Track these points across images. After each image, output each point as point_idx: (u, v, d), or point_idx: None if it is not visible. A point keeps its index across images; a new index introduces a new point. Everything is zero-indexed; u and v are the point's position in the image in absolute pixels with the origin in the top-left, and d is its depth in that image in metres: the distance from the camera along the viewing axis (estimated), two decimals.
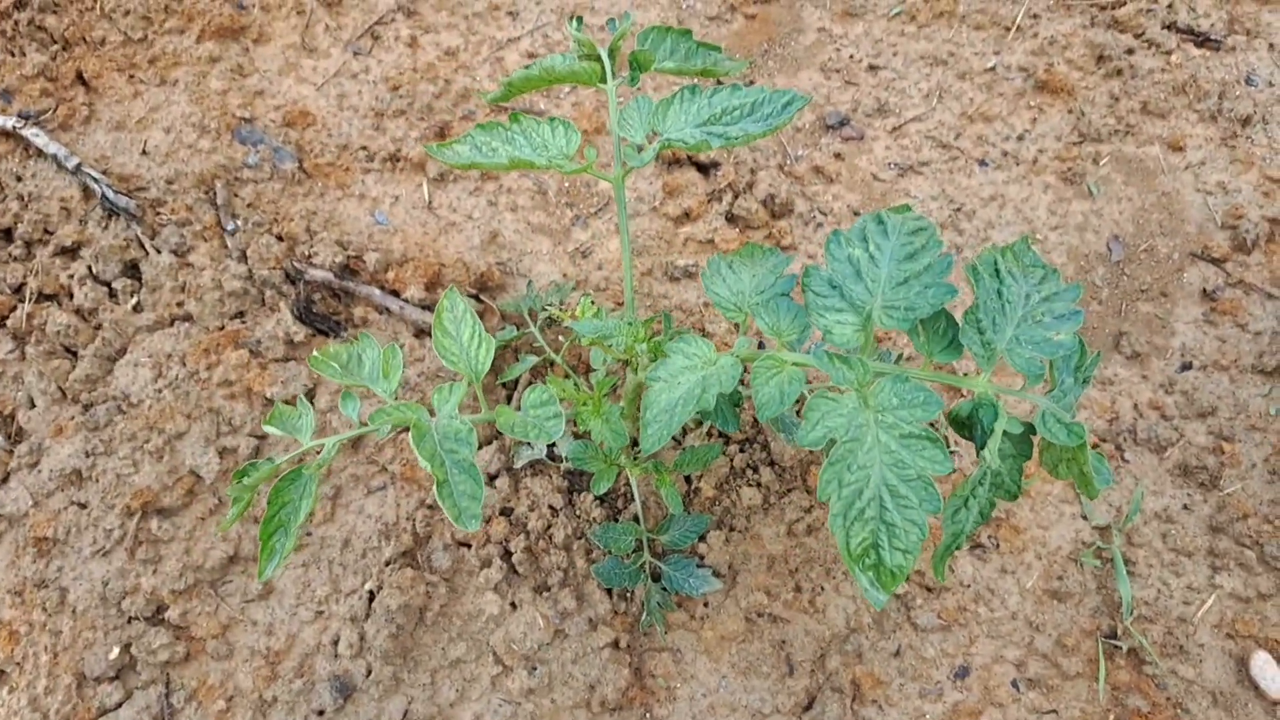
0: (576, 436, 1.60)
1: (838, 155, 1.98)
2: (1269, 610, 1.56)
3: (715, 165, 1.93)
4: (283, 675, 1.57)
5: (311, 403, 1.66)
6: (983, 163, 1.97)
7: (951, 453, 1.33)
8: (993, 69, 2.03)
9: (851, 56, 2.08)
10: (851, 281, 1.02)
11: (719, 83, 1.83)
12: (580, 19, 1.31)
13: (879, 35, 2.09)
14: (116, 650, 1.58)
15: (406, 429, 1.52)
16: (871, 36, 2.09)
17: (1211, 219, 1.92)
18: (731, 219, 1.88)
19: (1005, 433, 0.99)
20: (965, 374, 1.70)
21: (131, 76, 2.04)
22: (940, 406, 0.94)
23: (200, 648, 1.59)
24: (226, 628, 1.60)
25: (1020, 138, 1.98)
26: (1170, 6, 2.09)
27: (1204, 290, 1.86)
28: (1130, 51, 2.04)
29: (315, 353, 1.19)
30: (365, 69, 2.05)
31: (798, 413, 1.46)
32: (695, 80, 1.36)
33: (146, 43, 2.06)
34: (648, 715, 1.60)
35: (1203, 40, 2.07)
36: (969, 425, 1.00)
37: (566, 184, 1.93)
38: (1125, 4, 2.08)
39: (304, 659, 1.57)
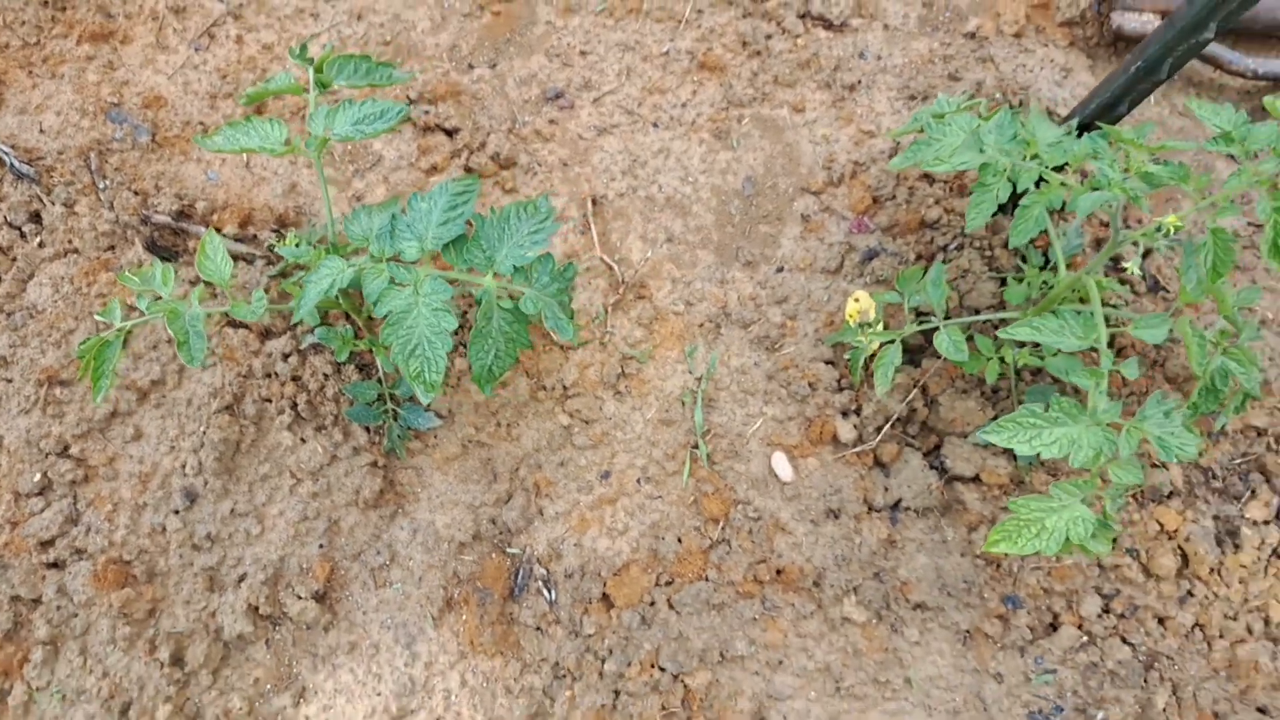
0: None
1: (553, 121, 2.64)
2: (790, 427, 2.31)
3: (458, 130, 2.59)
4: (150, 488, 2.30)
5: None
6: (656, 125, 2.63)
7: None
8: (667, 53, 2.67)
9: (569, 44, 2.71)
10: (418, 222, 1.71)
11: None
12: (305, 46, 1.96)
13: (589, 27, 2.72)
14: (39, 476, 2.31)
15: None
16: (584, 28, 2.72)
17: (817, 162, 2.60)
18: (469, 169, 2.55)
19: (502, 307, 1.70)
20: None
21: (31, 72, 2.65)
22: (450, 293, 1.65)
23: (95, 473, 2.32)
24: (112, 459, 2.33)
25: (684, 105, 2.64)
26: None
27: (803, 215, 2.56)
28: (769, 37, 2.68)
29: (125, 272, 1.88)
30: (204, 61, 2.67)
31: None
32: (370, 90, 2.01)
33: (40, 46, 2.67)
34: (400, 509, 2.35)
35: (829, 24, 2.71)
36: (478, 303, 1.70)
37: (349, 148, 2.59)
38: None
39: (164, 478, 2.31)
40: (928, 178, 2.51)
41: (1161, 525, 2.21)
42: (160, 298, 1.80)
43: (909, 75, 2.66)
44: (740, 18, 2.69)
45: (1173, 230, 1.63)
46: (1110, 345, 1.72)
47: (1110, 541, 1.67)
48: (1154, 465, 2.26)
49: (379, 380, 2.29)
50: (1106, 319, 2.05)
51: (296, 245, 1.83)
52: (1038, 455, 1.59)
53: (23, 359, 2.34)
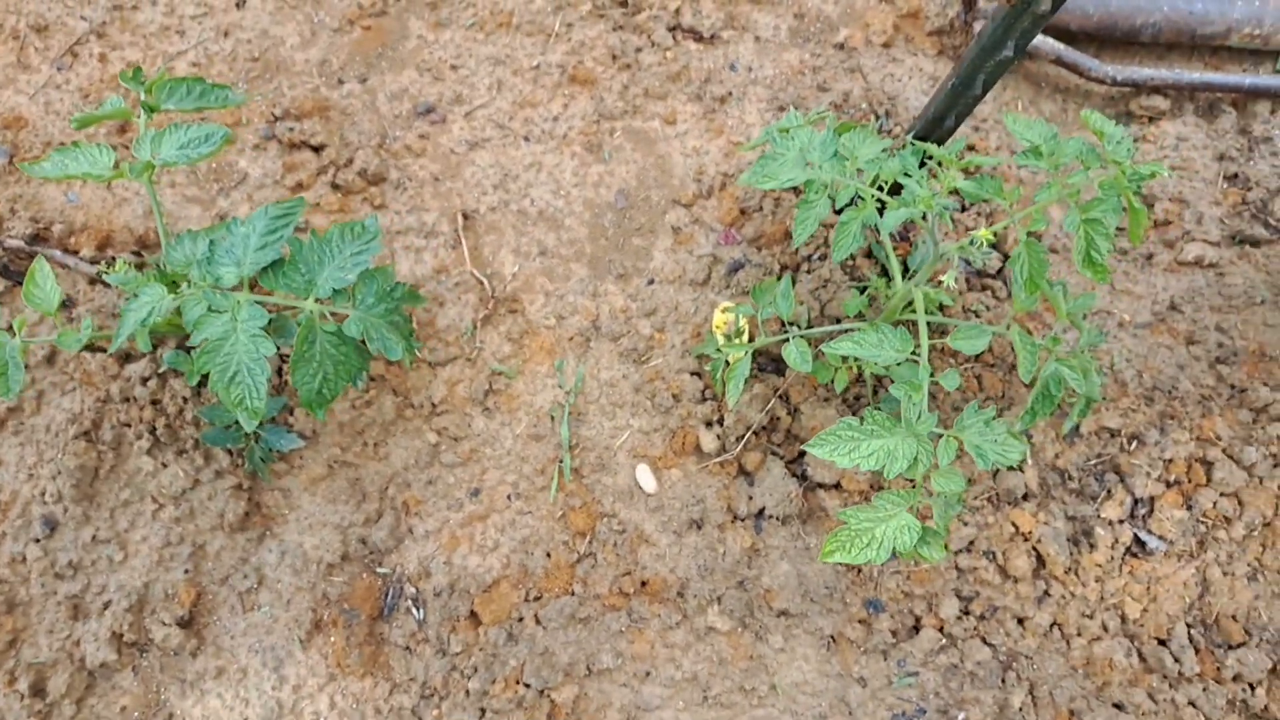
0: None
1: (424, 136, 2.61)
2: (654, 439, 2.31)
3: (325, 146, 2.56)
4: (10, 517, 2.25)
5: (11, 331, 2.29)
6: (527, 138, 2.62)
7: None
8: (537, 66, 2.66)
9: (440, 58, 2.69)
10: (236, 247, 1.68)
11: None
12: (138, 70, 1.92)
13: (460, 41, 2.70)
14: None
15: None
16: (455, 42, 2.70)
17: (689, 175, 2.61)
18: (335, 187, 2.52)
19: (325, 331, 1.68)
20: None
21: None
22: (266, 318, 1.63)
23: None
24: None
25: (555, 119, 2.63)
26: (677, 11, 2.72)
27: (674, 227, 2.56)
28: (640, 50, 2.68)
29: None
30: (66, 81, 2.61)
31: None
32: (198, 115, 1.97)
33: None
34: (268, 532, 2.32)
35: (699, 37, 2.72)
36: (282, 331, 1.68)
37: (214, 166, 2.54)
38: (641, 12, 2.70)
39: (24, 506, 2.25)
40: (796, 190, 2.53)
41: (1017, 527, 2.24)
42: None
43: (779, 87, 2.68)
44: (610, 30, 2.68)
45: (985, 243, 1.65)
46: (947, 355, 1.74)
47: (942, 548, 1.69)
48: (1010, 470, 2.29)
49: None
50: (942, 330, 2.07)
51: (125, 272, 1.79)
52: (853, 466, 1.60)
53: None
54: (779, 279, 2.27)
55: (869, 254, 2.41)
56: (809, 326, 2.28)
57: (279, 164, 2.51)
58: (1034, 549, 2.24)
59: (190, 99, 1.90)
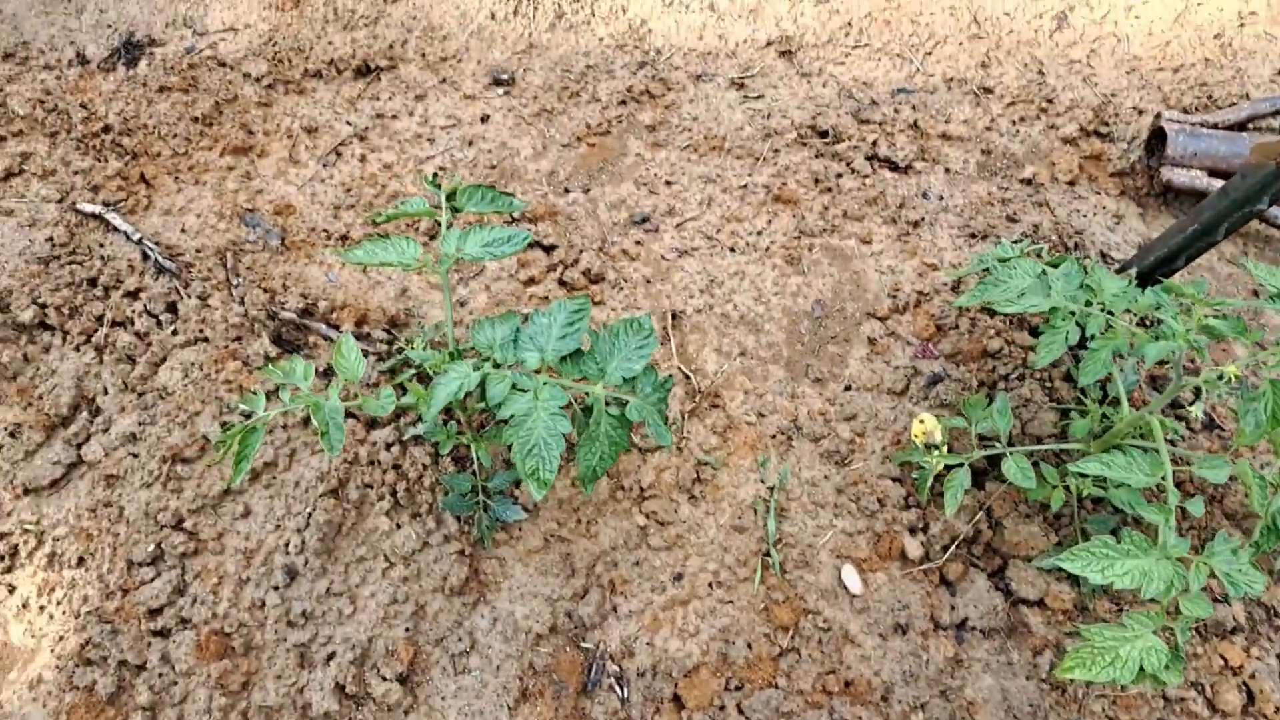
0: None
1: (639, 242, 2.85)
2: (859, 541, 2.39)
3: (555, 247, 2.80)
4: (254, 564, 2.43)
5: (278, 394, 2.53)
6: (733, 249, 2.82)
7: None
8: (745, 186, 2.89)
9: (656, 174, 2.95)
10: (539, 335, 1.88)
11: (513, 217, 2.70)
12: (436, 173, 2.19)
13: (674, 160, 2.96)
14: (152, 546, 2.45)
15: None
16: (670, 161, 2.96)
17: (883, 290, 2.77)
18: (563, 283, 2.75)
19: (609, 414, 1.84)
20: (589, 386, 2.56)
21: (177, 179, 2.94)
22: (565, 400, 1.80)
23: (205, 546, 2.45)
24: (221, 534, 2.46)
25: (760, 233, 2.84)
26: (874, 143, 2.95)
27: (870, 338, 2.70)
28: (840, 175, 2.89)
29: (269, 365, 2.06)
30: (330, 176, 2.94)
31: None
32: (495, 217, 2.22)
33: (187, 156, 2.96)
34: (482, 598, 2.44)
35: (894, 166, 2.93)
36: (588, 411, 1.85)
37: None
38: (841, 142, 2.93)
39: (267, 554, 2.43)
40: (988, 311, 2.65)
41: (1226, 660, 2.22)
42: (299, 390, 1.97)
43: (969, 215, 2.84)
44: (813, 157, 2.91)
45: (1233, 379, 1.74)
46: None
47: (1180, 673, 1.71)
48: (1216, 600, 2.28)
49: (473, 473, 2.42)
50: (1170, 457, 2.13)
51: (421, 349, 1.99)
52: (1107, 584, 1.66)
53: (150, 436, 2.51)
54: (983, 394, 2.37)
55: (1066, 377, 2.50)
56: (1010, 444, 2.36)
57: (514, 260, 2.75)
58: (1244, 684, 2.21)
59: (484, 203, 2.14)
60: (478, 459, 2.42)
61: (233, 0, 3.07)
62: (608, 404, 1.85)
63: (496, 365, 1.89)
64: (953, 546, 2.32)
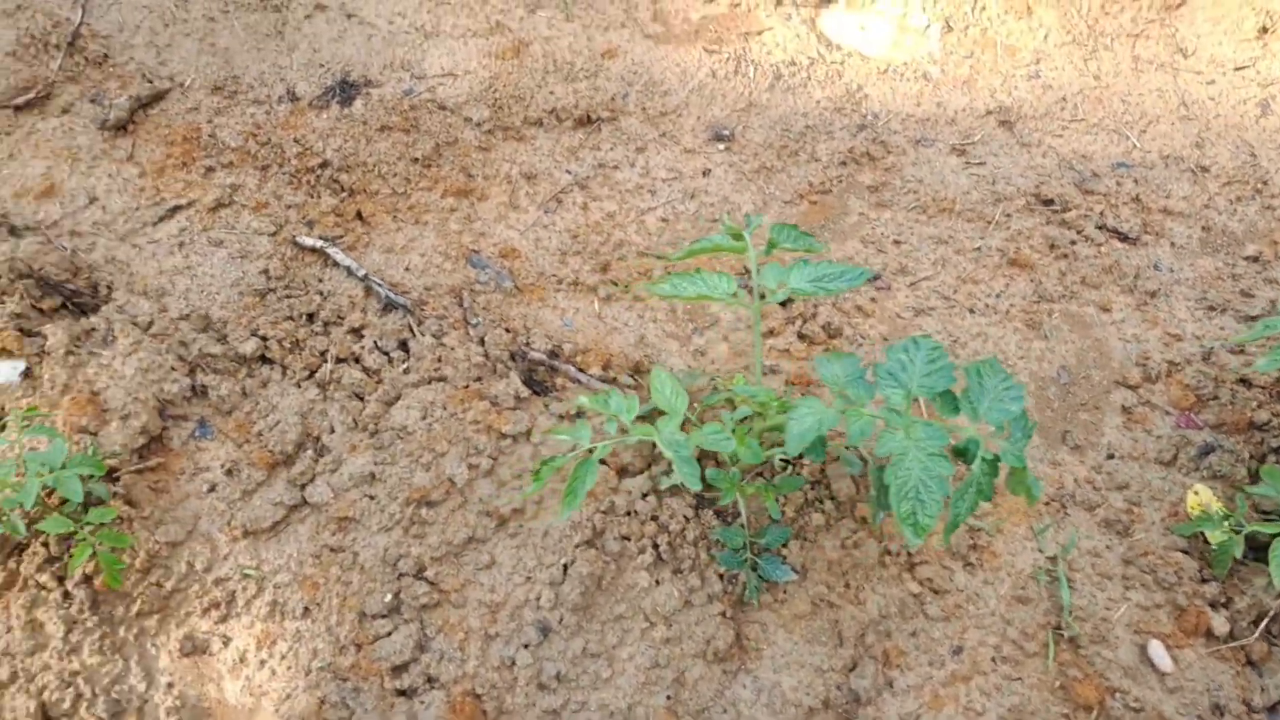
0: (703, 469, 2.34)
1: (873, 299, 2.81)
2: (1159, 615, 2.26)
3: (791, 301, 2.76)
4: (500, 619, 2.26)
5: (529, 436, 2.42)
6: (971, 310, 2.79)
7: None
8: (979, 249, 2.90)
9: (882, 234, 2.94)
10: (899, 371, 1.81)
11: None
12: (728, 215, 2.16)
13: (901, 220, 2.97)
14: (390, 596, 2.28)
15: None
16: (896, 221, 2.97)
17: (1129, 359, 2.73)
18: (801, 336, 2.70)
19: (982, 458, 1.76)
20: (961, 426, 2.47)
21: (395, 217, 2.90)
22: (947, 440, 1.72)
23: (446, 598, 2.29)
24: (463, 586, 2.30)
25: (998, 296, 2.82)
26: (1101, 213, 2.97)
27: (1123, 406, 2.65)
28: (1073, 242, 2.91)
29: (581, 398, 1.97)
30: (552, 223, 2.92)
31: (858, 455, 2.23)
32: (802, 254, 2.19)
33: (406, 196, 2.94)
34: (743, 665, 2.28)
35: (1124, 237, 2.94)
36: (962, 453, 1.76)
37: (687, 308, 2.76)
38: (1070, 210, 2.96)
39: (515, 609, 2.27)
40: (1244, 381, 2.62)
41: None
42: (625, 424, 1.87)
43: (1202, 288, 2.85)
44: (1044, 224, 2.93)
45: None
46: None
47: None
48: None
49: (741, 527, 2.30)
50: None
51: (743, 384, 1.92)
52: None
53: (390, 477, 2.39)
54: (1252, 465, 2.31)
55: None
56: None
57: (749, 311, 2.70)
58: None
59: (793, 241, 2.11)
60: (746, 513, 2.31)
61: (452, 46, 3.12)
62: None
63: (849, 402, 1.81)
64: (1264, 622, 2.20)
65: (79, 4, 3.12)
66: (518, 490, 2.39)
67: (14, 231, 2.75)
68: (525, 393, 2.46)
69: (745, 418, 2.11)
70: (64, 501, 2.24)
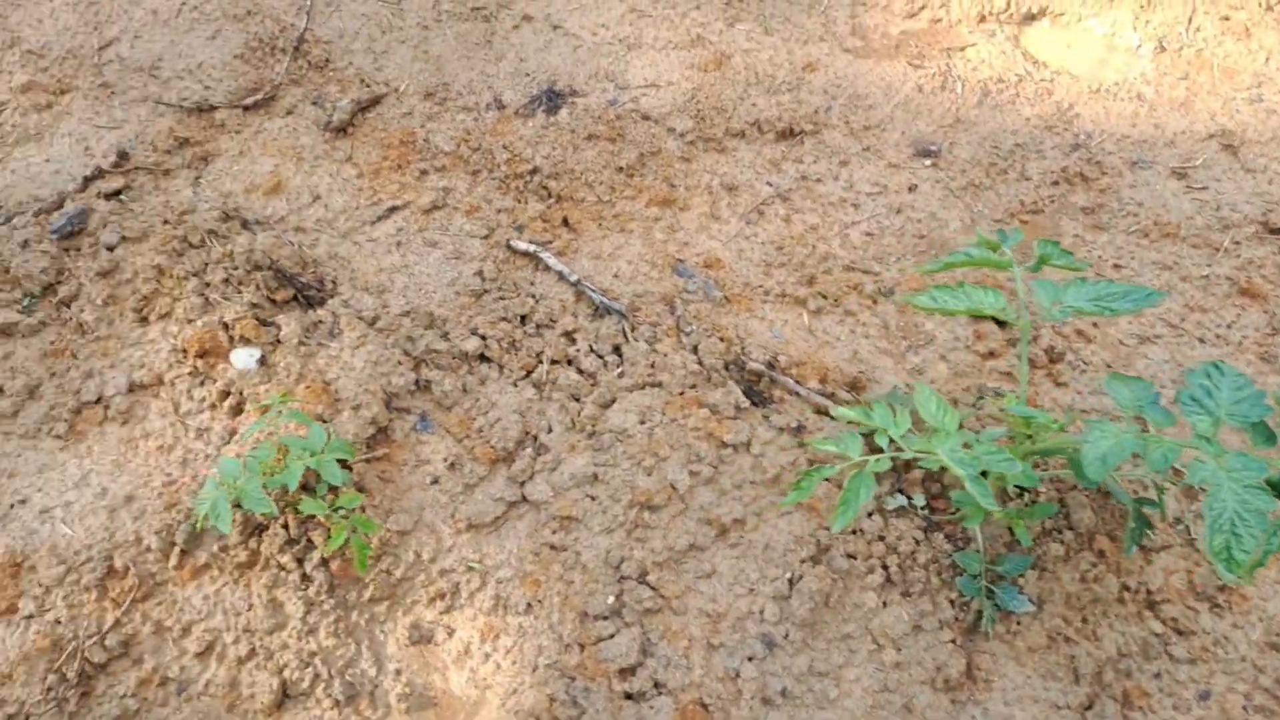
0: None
1: (1094, 324, 2.72)
2: None
3: (1007, 324, 2.69)
4: (723, 630, 2.24)
5: (748, 447, 2.41)
6: (1201, 340, 2.67)
7: None
8: (1206, 276, 2.77)
9: (1100, 257, 2.85)
10: (1204, 397, 1.73)
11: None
12: (979, 232, 2.11)
13: (1120, 244, 2.86)
14: (612, 599, 2.29)
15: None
16: (1115, 244, 2.87)
17: None
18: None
19: None
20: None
21: (600, 225, 2.94)
22: (1265, 472, 1.63)
23: (667, 605, 2.29)
24: (683, 593, 2.30)
25: (1228, 326, 2.69)
26: None
27: None
28: None
29: (842, 409, 1.95)
30: (754, 234, 2.91)
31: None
32: (1073, 272, 2.12)
33: (611, 204, 2.98)
34: (973, 696, 2.20)
35: None
36: (1276, 486, 1.67)
37: (900, 323, 2.71)
38: None
39: (737, 620, 2.25)
40: None
41: None
42: (895, 439, 1.83)
43: None
44: (1276, 253, 2.78)
45: None
46: None
47: None
48: None
49: (976, 553, 2.23)
50: None
51: (1016, 404, 1.86)
52: None
53: (613, 479, 2.40)
54: None
55: None
56: None
57: (969, 331, 2.64)
58: None
59: (1060, 258, 2.04)
60: (981, 540, 2.24)
61: (654, 58, 3.16)
62: None
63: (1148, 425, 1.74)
64: None
65: (304, 10, 3.28)
66: (738, 500, 2.37)
67: (246, 225, 2.89)
68: (745, 403, 2.44)
69: (997, 438, 2.05)
70: (303, 486, 2.32)
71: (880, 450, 1.93)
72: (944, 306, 2.00)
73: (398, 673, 2.27)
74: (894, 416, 1.89)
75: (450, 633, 2.32)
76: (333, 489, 2.25)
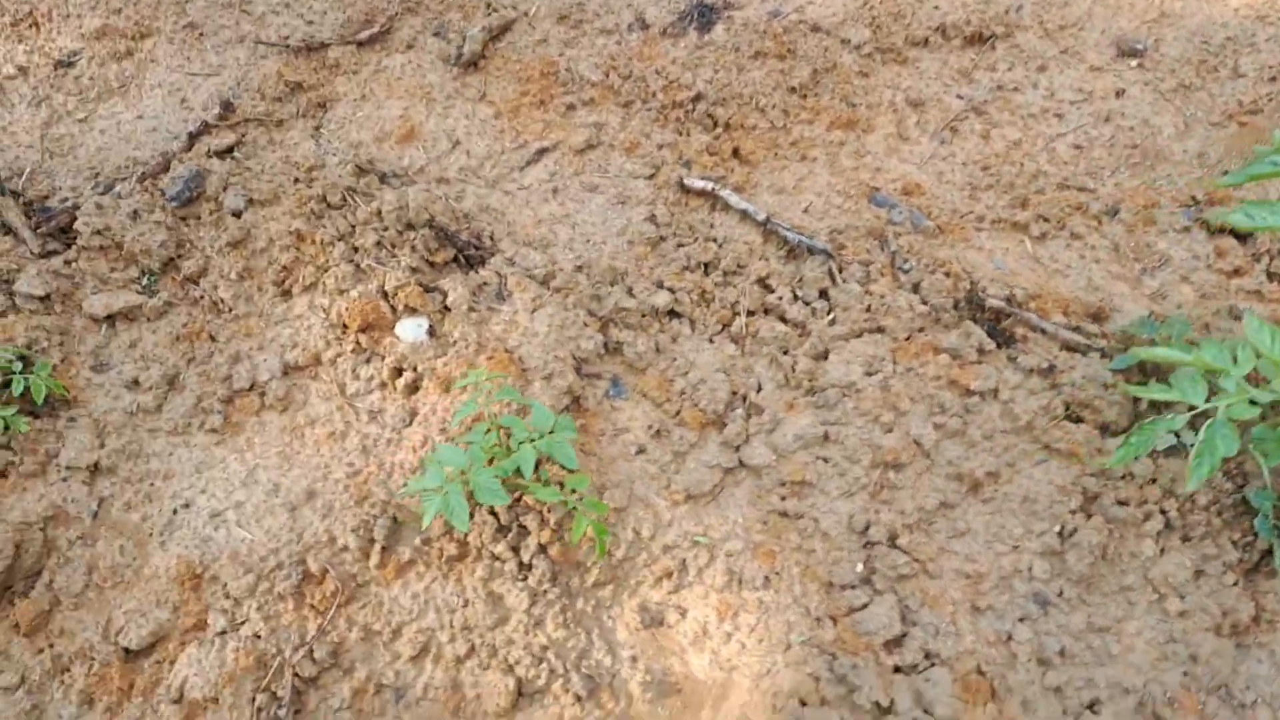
0: None
1: None
2: None
3: (1250, 236, 2.54)
4: (985, 591, 2.15)
5: (995, 394, 2.28)
6: None
7: None
8: None
9: None
10: None
11: None
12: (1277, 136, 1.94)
13: None
14: (860, 566, 2.19)
15: None
16: None
17: None
18: (1271, 275, 2.48)
19: None
20: None
21: (776, 154, 2.75)
22: None
23: (921, 569, 2.19)
24: (938, 554, 2.20)
25: None
26: None
27: None
28: None
29: (1144, 350, 1.81)
30: (951, 154, 2.73)
31: None
32: None
33: (786, 130, 2.78)
34: (1257, 640, 2.13)
35: None
36: None
37: (1131, 244, 2.55)
38: None
39: (1001, 580, 2.16)
40: None
41: None
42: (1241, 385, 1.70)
43: None
44: None
45: None
46: None
47: None
48: None
49: (1265, 488, 2.13)
50: None
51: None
52: None
53: (847, 439, 2.28)
54: None
55: None
56: None
57: (1208, 248, 2.49)
58: None
59: None
60: (1269, 478, 2.14)
61: None
62: None
63: None
64: None
65: None
66: (988, 452, 2.26)
67: (384, 180, 2.69)
68: (989, 344, 2.31)
69: None
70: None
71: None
72: (1266, 223, 1.85)
73: (633, 660, 2.18)
74: (1222, 353, 1.75)
75: (682, 613, 2.22)
76: (569, 471, 2.12)
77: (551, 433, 2.03)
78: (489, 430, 2.07)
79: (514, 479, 2.07)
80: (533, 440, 2.02)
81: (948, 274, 2.43)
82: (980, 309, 2.36)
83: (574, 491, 2.08)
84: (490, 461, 2.05)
